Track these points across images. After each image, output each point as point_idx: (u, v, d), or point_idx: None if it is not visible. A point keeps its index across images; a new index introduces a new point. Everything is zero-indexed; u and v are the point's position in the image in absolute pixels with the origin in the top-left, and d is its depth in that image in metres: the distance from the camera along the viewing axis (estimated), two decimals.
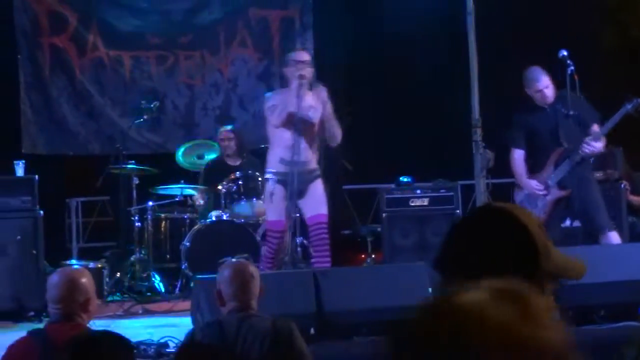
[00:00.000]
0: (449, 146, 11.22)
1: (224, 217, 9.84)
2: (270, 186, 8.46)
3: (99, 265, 9.62)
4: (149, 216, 10.21)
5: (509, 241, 2.01)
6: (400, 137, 11.72)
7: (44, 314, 8.66)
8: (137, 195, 10.26)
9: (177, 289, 9.78)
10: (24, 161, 9.49)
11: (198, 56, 12.43)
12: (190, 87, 12.43)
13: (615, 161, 10.16)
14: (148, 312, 9.07)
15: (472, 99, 8.60)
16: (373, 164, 11.47)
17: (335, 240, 11.80)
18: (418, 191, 10.27)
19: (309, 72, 8.40)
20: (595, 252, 7.78)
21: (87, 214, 11.57)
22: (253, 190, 9.92)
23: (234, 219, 9.82)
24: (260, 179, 9.92)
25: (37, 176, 9.22)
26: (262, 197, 9.85)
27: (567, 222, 8.73)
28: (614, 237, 8.41)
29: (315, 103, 8.34)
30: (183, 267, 9.72)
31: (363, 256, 11.05)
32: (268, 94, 8.90)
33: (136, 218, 10.22)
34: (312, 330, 6.71)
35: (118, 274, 10.01)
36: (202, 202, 10.33)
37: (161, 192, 10.38)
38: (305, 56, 8.59)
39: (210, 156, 10.89)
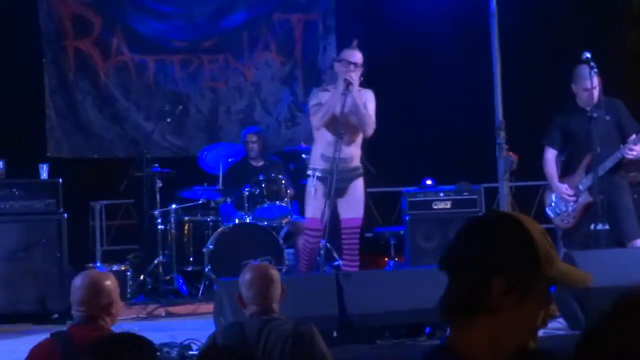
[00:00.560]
0: (472, 149, 11.19)
1: (247, 220, 9.85)
2: (311, 182, 8.45)
3: (123, 268, 9.66)
4: (172, 219, 10.23)
5: (512, 244, 2.06)
6: (423, 139, 11.71)
7: (67, 316, 8.70)
8: (161, 198, 10.29)
9: (200, 292, 9.79)
10: (48, 164, 9.53)
11: (222, 60, 12.45)
12: (214, 90, 12.45)
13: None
14: (171, 315, 9.09)
15: (495, 101, 8.57)
16: (396, 166, 11.45)
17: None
18: (441, 194, 10.26)
19: (358, 74, 8.41)
20: (623, 254, 7.74)
21: (111, 216, 11.61)
22: (276, 193, 9.92)
23: (257, 222, 9.83)
24: (283, 181, 9.94)
25: (61, 179, 9.27)
26: (286, 200, 9.87)
27: (593, 226, 8.66)
28: None
29: (358, 102, 8.34)
30: (206, 270, 9.73)
31: (386, 259, 11.04)
32: (315, 89, 8.83)
33: (159, 221, 10.25)
34: (334, 333, 6.71)
35: (141, 277, 10.04)
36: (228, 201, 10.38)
37: (184, 195, 10.41)
38: (358, 57, 8.55)
39: (233, 159, 10.91)
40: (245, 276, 4.70)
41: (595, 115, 8.25)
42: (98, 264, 9.95)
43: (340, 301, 6.93)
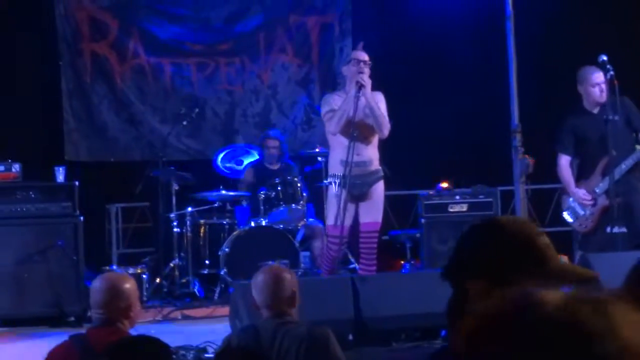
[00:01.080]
0: (489, 151, 11.17)
1: (263, 223, 9.86)
2: (332, 189, 8.42)
3: (139, 271, 9.68)
4: (188, 222, 10.25)
5: (488, 249, 2.10)
6: (439, 142, 11.69)
7: (84, 319, 8.74)
8: (177, 201, 10.31)
9: (216, 295, 9.80)
10: (64, 167, 9.56)
11: (238, 62, 12.45)
12: (230, 93, 12.45)
13: None
14: (187, 318, 9.11)
15: (511, 104, 8.55)
16: (412, 169, 11.44)
17: None
18: (457, 197, 10.26)
19: (368, 73, 8.39)
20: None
21: (127, 219, 11.63)
22: (292, 196, 9.93)
23: (273, 225, 9.83)
24: (299, 184, 9.94)
25: (77, 182, 9.30)
26: (301, 203, 9.87)
27: (610, 228, 8.63)
28: None
29: (372, 103, 8.31)
30: (222, 273, 9.74)
31: (401, 262, 11.03)
32: (326, 96, 8.82)
33: (175, 224, 10.28)
34: (350, 336, 6.71)
35: (157, 280, 10.05)
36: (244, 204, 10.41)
37: (200, 197, 10.42)
38: (366, 56, 8.56)
39: (249, 161, 10.92)
40: (257, 279, 4.69)
41: (610, 117, 8.23)
42: (114, 267, 9.97)
43: (356, 304, 6.93)
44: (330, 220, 8.45)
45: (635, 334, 1.23)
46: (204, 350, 6.83)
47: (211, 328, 8.05)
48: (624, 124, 8.39)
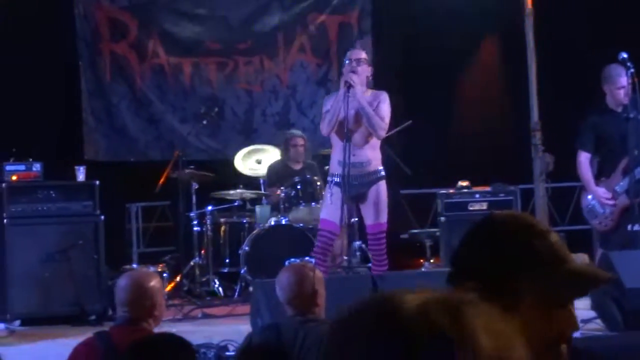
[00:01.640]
0: (509, 150, 11.16)
1: (283, 222, 9.87)
2: (328, 188, 8.43)
3: (159, 270, 9.69)
4: (208, 221, 10.28)
5: (482, 251, 1.93)
6: (459, 140, 11.68)
7: (104, 318, 8.77)
8: (197, 200, 10.34)
9: (236, 293, 9.82)
10: (85, 167, 9.59)
11: (257, 62, 12.46)
12: (250, 93, 12.47)
13: None
14: (207, 316, 9.13)
15: (531, 102, 8.54)
16: (431, 167, 11.43)
17: (393, 244, 11.79)
18: (477, 195, 10.24)
19: (364, 70, 8.32)
20: None
21: (147, 218, 11.66)
22: (312, 195, 9.94)
23: (293, 224, 9.85)
24: (318, 183, 9.94)
25: (97, 181, 9.33)
26: (321, 201, 9.88)
27: (630, 227, 8.59)
28: None
29: (372, 102, 8.25)
30: (242, 272, 9.76)
31: (421, 260, 11.02)
32: (326, 97, 8.84)
33: (195, 223, 10.30)
34: None
35: (178, 279, 10.08)
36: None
37: (220, 196, 10.45)
38: (362, 54, 8.51)
39: (269, 161, 10.93)
40: (281, 277, 4.71)
41: (631, 116, 8.18)
42: (135, 266, 10.00)
43: None
44: (322, 214, 8.45)
45: (491, 339, 1.22)
46: (225, 349, 6.83)
47: (231, 326, 8.07)
48: None
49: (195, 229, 10.31)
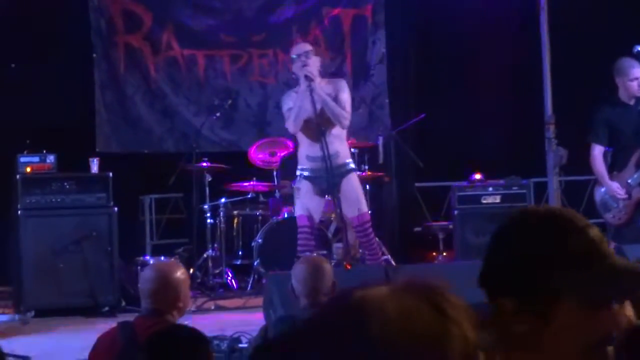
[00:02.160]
0: (522, 143, 11.14)
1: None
2: (297, 183, 8.45)
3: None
4: (222, 213, 10.29)
5: (511, 256, 1.81)
6: (472, 133, 11.67)
7: (118, 309, 8.80)
8: (210, 192, 10.35)
9: (250, 286, 9.84)
10: (98, 158, 9.61)
11: (271, 54, 12.46)
12: (263, 85, 12.46)
13: None
14: (220, 308, 9.15)
15: (545, 95, 8.53)
16: (445, 160, 11.42)
17: (406, 237, 11.81)
18: (490, 188, 10.24)
19: (315, 61, 8.33)
20: None
21: (161, 210, 11.67)
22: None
23: None
24: None
25: (111, 173, 9.35)
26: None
27: None
28: None
29: (332, 91, 8.27)
30: (255, 264, 9.78)
31: (434, 253, 11.02)
32: (285, 94, 8.83)
33: (209, 215, 10.32)
34: None
35: (191, 271, 10.09)
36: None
37: (233, 189, 10.45)
38: (307, 47, 8.53)
39: (283, 153, 10.93)
40: (297, 268, 4.72)
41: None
42: (147, 258, 10.02)
43: None
44: (296, 211, 8.49)
45: (470, 332, 1.21)
46: (238, 341, 6.84)
47: (244, 318, 8.09)
48: None
49: (209, 221, 10.33)
